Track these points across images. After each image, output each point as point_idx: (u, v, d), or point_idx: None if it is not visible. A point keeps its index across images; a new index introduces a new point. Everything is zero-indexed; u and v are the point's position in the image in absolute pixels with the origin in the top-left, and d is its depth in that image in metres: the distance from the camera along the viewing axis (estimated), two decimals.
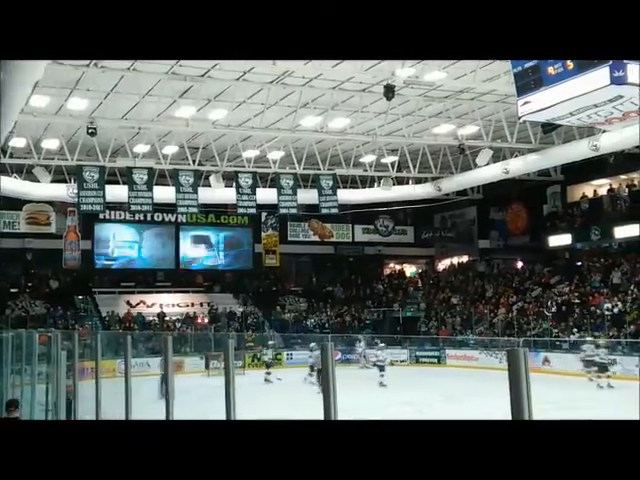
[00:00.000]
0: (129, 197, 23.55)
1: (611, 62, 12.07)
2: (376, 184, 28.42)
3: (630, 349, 23.88)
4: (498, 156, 25.65)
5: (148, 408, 5.69)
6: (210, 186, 25.41)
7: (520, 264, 36.21)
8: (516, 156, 25.44)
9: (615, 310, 26.34)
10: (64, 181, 25.04)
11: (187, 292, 36.51)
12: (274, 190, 25.72)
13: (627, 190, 31.03)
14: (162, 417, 5.20)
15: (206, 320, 34.32)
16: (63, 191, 24.32)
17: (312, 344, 22.53)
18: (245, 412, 4.77)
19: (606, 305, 26.69)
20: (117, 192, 24.42)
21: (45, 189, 24.23)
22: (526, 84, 14.13)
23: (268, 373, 24.63)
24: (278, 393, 20.60)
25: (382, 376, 22.47)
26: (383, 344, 24.93)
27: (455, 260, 40.41)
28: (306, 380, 21.46)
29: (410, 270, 42.14)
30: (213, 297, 36.26)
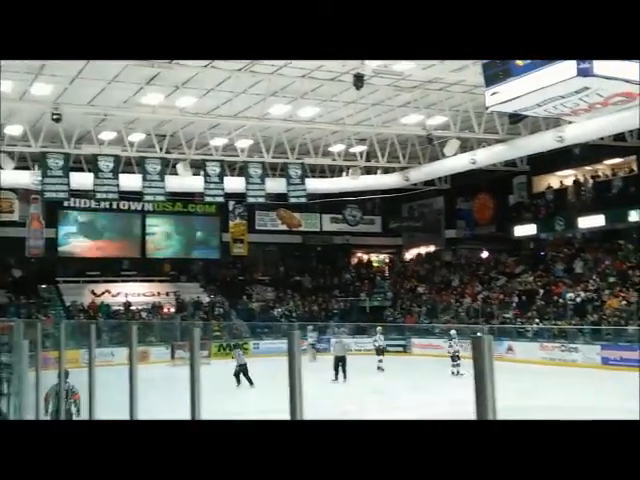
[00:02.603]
0: (94, 185, 23.22)
1: None
2: (344, 173, 28.43)
3: (591, 338, 24.32)
4: (465, 146, 25.82)
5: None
6: (177, 174, 25.16)
7: (486, 254, 36.61)
8: (483, 147, 25.63)
9: (578, 299, 26.76)
10: (27, 168, 24.57)
11: (153, 281, 36.18)
12: (242, 179, 25.57)
13: (591, 181, 31.53)
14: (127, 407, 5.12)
15: (172, 309, 34.07)
16: (26, 178, 23.84)
17: (378, 328, 23.89)
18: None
19: (569, 295, 27.11)
20: (82, 179, 24.04)
21: (8, 176, 23.71)
22: (494, 75, 14.20)
23: (380, 361, 23.65)
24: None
25: (380, 361, 23.26)
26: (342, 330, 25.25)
27: (422, 250, 40.68)
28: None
29: (377, 260, 42.30)
30: (179, 286, 35.99)
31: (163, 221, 37.61)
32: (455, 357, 21.96)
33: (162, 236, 37.63)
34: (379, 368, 23.07)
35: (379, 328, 25.45)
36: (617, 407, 14.13)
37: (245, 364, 19.95)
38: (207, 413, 4.40)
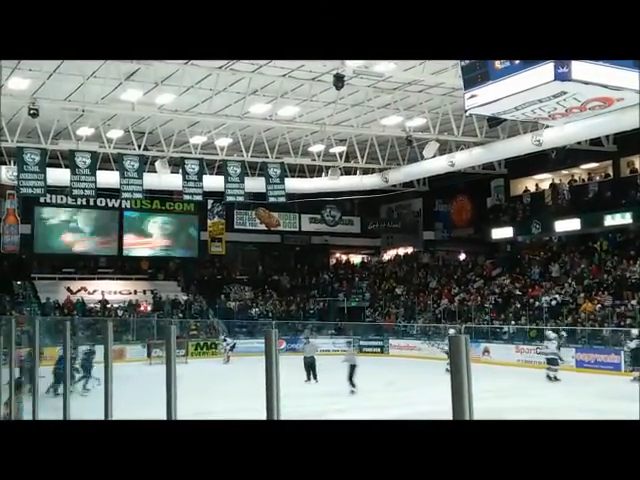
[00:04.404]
0: (71, 181, 22.97)
1: None
2: (324, 174, 28.44)
3: (566, 340, 24.48)
4: (444, 149, 25.97)
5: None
6: (156, 172, 25.01)
7: (463, 256, 36.82)
8: (462, 149, 25.79)
9: (553, 303, 27.01)
10: (3, 163, 24.24)
11: (130, 279, 35.93)
12: (221, 177, 25.48)
13: (568, 185, 31.86)
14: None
15: (149, 308, 33.86)
16: (2, 173, 23.55)
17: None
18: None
19: (544, 298, 27.35)
20: (59, 175, 23.80)
21: None
22: (473, 78, 14.30)
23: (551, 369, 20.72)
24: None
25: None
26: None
27: (400, 251, 40.82)
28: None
29: (356, 260, 42.37)
30: (157, 285, 35.79)
31: (141, 219, 37.31)
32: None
33: (140, 233, 37.34)
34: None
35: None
36: (591, 408, 14.36)
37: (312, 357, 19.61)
38: (183, 412, 4.39)
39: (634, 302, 24.09)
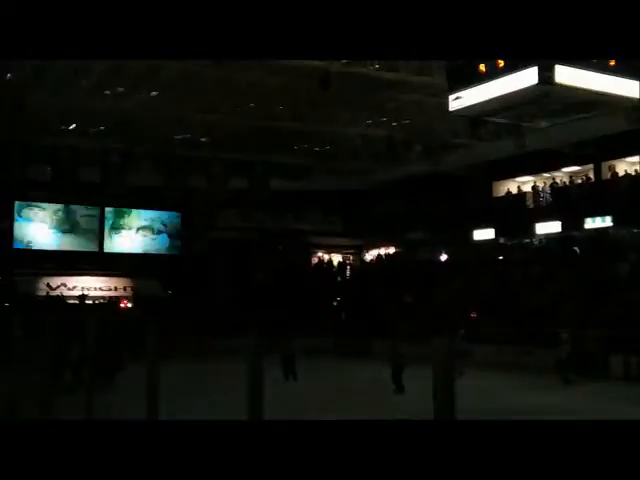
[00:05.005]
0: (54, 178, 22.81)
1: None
2: (310, 172, 28.46)
3: (546, 342, 24.50)
4: (429, 150, 26.08)
5: None
6: (139, 169, 24.90)
7: (445, 257, 36.94)
8: (446, 150, 25.92)
9: (532, 304, 27.12)
10: None
11: (111, 275, 35.64)
12: (204, 175, 25.42)
13: (549, 188, 32.12)
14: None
15: (129, 304, 33.63)
16: None
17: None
18: None
19: (526, 297, 27.50)
20: (39, 171, 23.62)
21: None
22: (458, 79, 14.38)
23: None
24: None
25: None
26: None
27: (382, 251, 40.87)
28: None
29: (337, 260, 42.38)
30: (137, 282, 35.51)
31: (122, 215, 37.03)
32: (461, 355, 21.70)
33: (122, 230, 37.07)
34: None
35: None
36: (571, 409, 14.54)
37: None
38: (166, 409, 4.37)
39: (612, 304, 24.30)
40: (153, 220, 37.63)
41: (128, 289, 34.79)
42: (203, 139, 25.46)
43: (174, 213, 37.26)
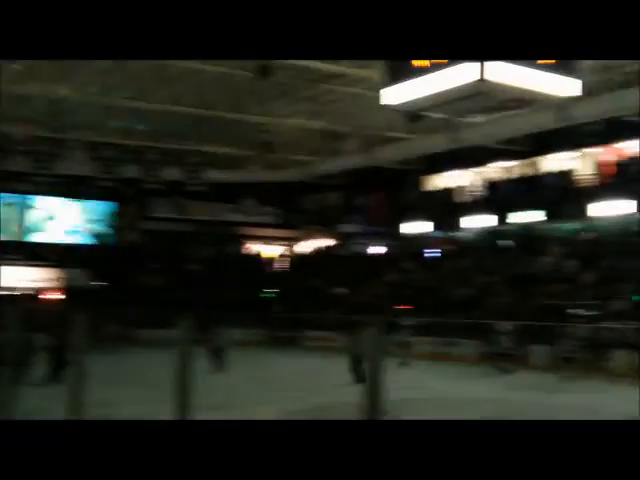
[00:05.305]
0: None
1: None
2: (245, 164, 28.28)
3: (472, 333, 25.03)
4: (365, 143, 26.26)
5: None
6: (69, 156, 24.21)
7: (379, 249, 37.40)
8: (381, 144, 26.16)
9: (462, 296, 27.76)
10: None
11: (38, 266, 34.61)
12: (138, 164, 24.93)
13: (479, 182, 32.92)
14: None
15: (59, 296, 32.78)
16: None
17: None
18: None
19: (455, 291, 28.11)
20: None
21: None
22: (395, 73, 14.48)
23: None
24: None
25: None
26: None
27: (317, 243, 41.06)
28: None
29: (272, 251, 42.35)
30: (66, 272, 34.60)
31: (50, 204, 35.99)
32: (404, 346, 22.17)
33: (48, 220, 36.04)
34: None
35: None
36: (498, 398, 14.97)
37: None
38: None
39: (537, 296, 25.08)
40: (86, 210, 36.74)
41: (57, 280, 33.88)
42: (138, 127, 24.91)
43: (106, 203, 36.45)
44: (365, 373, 11.50)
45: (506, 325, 21.29)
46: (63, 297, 32.89)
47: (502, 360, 20.23)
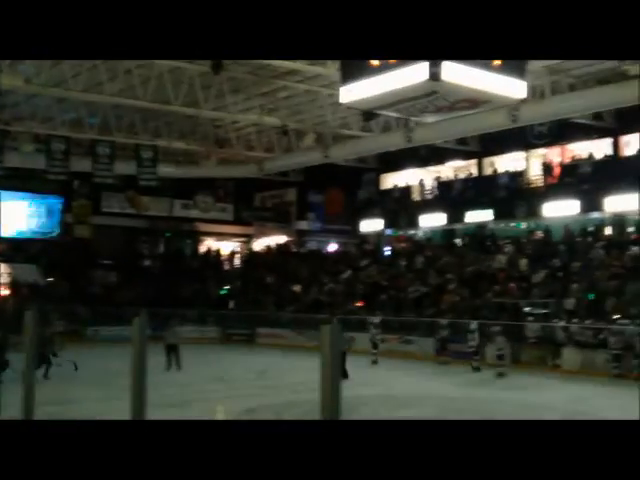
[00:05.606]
0: None
1: None
2: (199, 159, 28.02)
3: (427, 330, 25.34)
4: (320, 140, 26.27)
5: None
6: (17, 148, 23.64)
7: (334, 246, 37.51)
8: (337, 141, 26.20)
9: (417, 294, 28.01)
10: None
11: None
12: (89, 158, 24.48)
13: (435, 181, 33.26)
14: None
15: (6, 292, 32.02)
16: None
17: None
18: None
19: (410, 289, 28.35)
20: None
21: None
22: (350, 72, 14.53)
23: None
24: None
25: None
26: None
27: (272, 240, 40.97)
28: None
29: (227, 248, 42.11)
30: (14, 267, 33.82)
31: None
32: (375, 345, 22.51)
33: None
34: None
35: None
36: (452, 394, 15.18)
37: None
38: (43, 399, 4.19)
39: (489, 294, 25.47)
40: (34, 204, 35.95)
41: (4, 275, 33.10)
42: (90, 120, 24.44)
43: (55, 196, 35.73)
44: (345, 368, 11.64)
45: (472, 324, 21.62)
46: (10, 293, 32.13)
47: (474, 360, 20.59)
